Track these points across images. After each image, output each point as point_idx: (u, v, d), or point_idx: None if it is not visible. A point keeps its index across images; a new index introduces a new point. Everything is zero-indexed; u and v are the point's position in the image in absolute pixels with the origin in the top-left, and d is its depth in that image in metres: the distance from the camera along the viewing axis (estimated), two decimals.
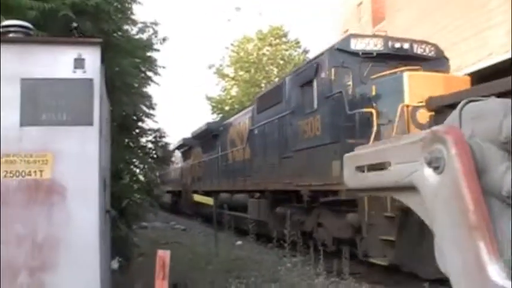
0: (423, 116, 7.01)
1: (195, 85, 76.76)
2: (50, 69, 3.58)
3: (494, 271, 1.01)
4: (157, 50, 7.67)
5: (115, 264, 6.32)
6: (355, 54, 8.62)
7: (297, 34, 64.17)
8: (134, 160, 7.35)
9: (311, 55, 34.29)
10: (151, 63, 7.49)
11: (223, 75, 36.05)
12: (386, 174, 1.39)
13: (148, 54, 7.51)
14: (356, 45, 8.66)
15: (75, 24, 5.08)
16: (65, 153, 3.55)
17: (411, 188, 1.32)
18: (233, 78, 35.59)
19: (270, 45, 35.05)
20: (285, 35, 35.38)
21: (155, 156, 7.97)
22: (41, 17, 4.63)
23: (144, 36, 7.57)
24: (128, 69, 6.16)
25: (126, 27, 7.22)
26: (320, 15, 68.41)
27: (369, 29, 26.06)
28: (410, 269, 6.08)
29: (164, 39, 7.95)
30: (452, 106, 6.74)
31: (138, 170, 7.39)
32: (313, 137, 9.15)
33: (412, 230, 6.58)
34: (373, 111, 7.53)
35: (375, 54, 8.62)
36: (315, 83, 9.13)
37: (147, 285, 6.60)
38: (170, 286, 3.64)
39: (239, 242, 11.43)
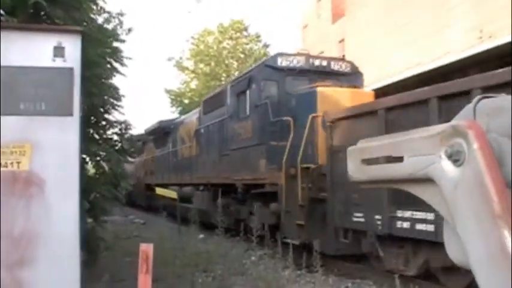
0: None
1: (154, 77, 75.69)
2: (28, 57, 3.45)
3: None
4: (124, 41, 7.56)
5: (82, 257, 6.17)
6: (280, 70, 10.13)
7: (257, 28, 64.23)
8: (100, 153, 7.17)
9: (271, 50, 34.49)
10: (117, 54, 7.35)
11: (183, 68, 35.69)
12: (399, 167, 1.42)
13: (115, 44, 7.37)
14: (282, 62, 10.16)
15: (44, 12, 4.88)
16: (43, 145, 3.43)
17: (426, 181, 1.35)
18: (193, 71, 35.29)
19: (231, 38, 34.97)
20: (246, 29, 35.39)
21: (121, 148, 7.80)
22: (10, 3, 4.43)
23: (110, 26, 7.42)
24: (97, 59, 6.00)
25: (92, 16, 7.02)
26: (281, 10, 68.80)
27: (328, 25, 26.41)
28: (317, 248, 6.96)
29: (130, 30, 7.94)
30: (344, 118, 7.87)
31: (104, 163, 7.22)
32: (245, 138, 10.78)
33: (317, 216, 8.31)
34: (291, 119, 9.06)
35: (297, 70, 10.19)
36: (248, 93, 10.67)
37: (113, 278, 6.53)
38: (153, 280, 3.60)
39: (201, 236, 11.41)
